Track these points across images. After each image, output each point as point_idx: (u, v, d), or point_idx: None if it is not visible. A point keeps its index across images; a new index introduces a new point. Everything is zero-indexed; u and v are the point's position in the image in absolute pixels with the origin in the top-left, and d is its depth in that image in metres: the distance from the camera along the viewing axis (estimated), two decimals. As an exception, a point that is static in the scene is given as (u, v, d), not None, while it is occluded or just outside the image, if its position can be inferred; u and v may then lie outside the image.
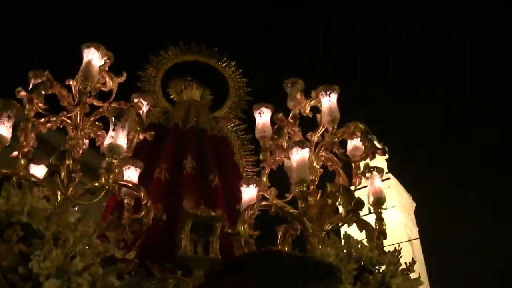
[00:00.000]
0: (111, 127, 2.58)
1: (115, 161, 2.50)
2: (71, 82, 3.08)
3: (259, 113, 3.53)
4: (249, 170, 5.19)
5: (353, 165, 3.41)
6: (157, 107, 5.21)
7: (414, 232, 45.77)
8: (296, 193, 2.86)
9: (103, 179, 2.46)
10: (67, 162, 2.48)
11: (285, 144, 3.10)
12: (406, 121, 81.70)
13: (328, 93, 3.17)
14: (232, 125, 5.49)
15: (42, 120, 3.05)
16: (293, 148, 2.87)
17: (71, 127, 2.94)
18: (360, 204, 2.80)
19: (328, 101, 3.15)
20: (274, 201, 3.10)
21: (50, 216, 2.18)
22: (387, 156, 48.02)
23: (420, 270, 40.84)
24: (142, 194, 2.82)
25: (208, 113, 5.37)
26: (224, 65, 5.67)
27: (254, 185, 3.38)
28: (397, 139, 77.89)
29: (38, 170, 3.15)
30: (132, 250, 3.08)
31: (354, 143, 3.34)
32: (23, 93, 2.76)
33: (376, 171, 3.23)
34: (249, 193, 3.39)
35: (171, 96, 5.59)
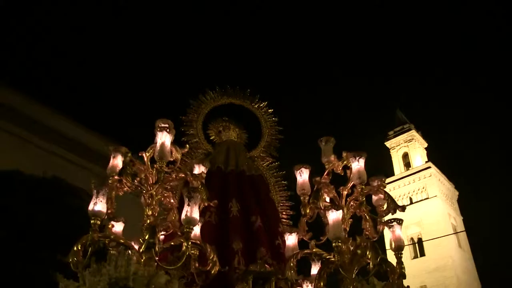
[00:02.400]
0: (186, 202, 3.19)
1: (191, 231, 3.11)
2: (144, 154, 3.70)
3: (299, 173, 4.04)
4: (283, 204, 5.82)
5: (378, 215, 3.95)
6: (200, 150, 5.84)
7: (459, 221, 44.86)
8: (333, 247, 3.44)
9: (184, 247, 3.07)
10: (158, 235, 3.08)
11: (321, 204, 3.67)
12: (446, 108, 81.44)
13: (357, 158, 3.76)
14: (266, 163, 6.07)
15: (119, 184, 3.66)
16: (329, 209, 3.46)
17: (147, 196, 3.54)
18: (384, 261, 3.37)
19: (357, 165, 3.73)
20: (314, 249, 3.68)
21: (150, 280, 2.79)
22: (426, 145, 48.32)
23: (466, 261, 41.11)
24: (209, 250, 3.42)
25: (245, 154, 5.96)
26: (256, 106, 6.26)
27: (296, 233, 3.94)
28: (437, 126, 77.45)
29: (119, 226, 3.77)
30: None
31: (378, 196, 3.90)
32: (116, 177, 3.39)
33: (397, 222, 3.76)
34: (291, 240, 3.96)
35: (211, 138, 6.19)
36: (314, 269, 4.11)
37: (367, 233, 3.93)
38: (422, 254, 39.81)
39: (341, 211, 3.46)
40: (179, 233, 3.69)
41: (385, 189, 3.81)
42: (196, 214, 3.16)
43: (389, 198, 3.70)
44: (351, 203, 3.88)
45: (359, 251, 3.49)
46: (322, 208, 3.59)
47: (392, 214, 3.75)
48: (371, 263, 3.38)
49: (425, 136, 49.01)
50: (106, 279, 2.72)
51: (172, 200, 3.77)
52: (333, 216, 3.43)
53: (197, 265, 3.54)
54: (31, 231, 7.93)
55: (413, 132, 48.12)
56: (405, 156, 47.75)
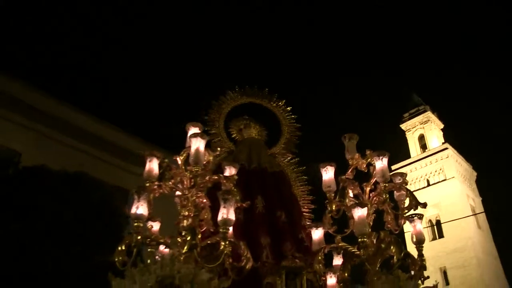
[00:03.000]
0: (222, 204, 3.46)
1: (227, 231, 3.38)
2: (178, 158, 3.97)
3: (325, 170, 4.30)
4: (305, 199, 6.09)
5: (399, 210, 4.19)
6: (223, 148, 6.10)
7: (477, 202, 44.51)
8: (359, 241, 3.69)
9: (222, 246, 3.34)
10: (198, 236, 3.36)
11: (347, 202, 3.92)
12: (462, 88, 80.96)
13: (380, 157, 4.00)
14: (287, 159, 6.33)
15: (156, 187, 3.94)
16: (355, 207, 3.71)
17: (183, 198, 3.81)
18: (407, 255, 3.62)
19: (381, 164, 3.98)
20: (340, 244, 3.94)
21: (193, 277, 3.07)
22: (442, 126, 48.12)
23: (486, 242, 41.12)
24: (243, 247, 3.69)
25: (266, 151, 6.23)
26: (274, 104, 6.52)
27: (321, 227, 4.20)
28: (455, 107, 77.14)
29: (156, 225, 4.06)
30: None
31: (400, 192, 4.13)
32: (156, 183, 3.67)
33: (418, 217, 3.99)
34: (318, 234, 4.23)
35: (233, 135, 6.48)
36: (337, 261, 4.35)
37: (388, 226, 4.16)
38: (441, 235, 39.75)
39: (366, 208, 3.70)
40: (211, 230, 3.96)
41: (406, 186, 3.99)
42: (232, 215, 3.44)
43: (411, 195, 3.93)
44: (374, 198, 4.10)
45: (383, 245, 3.74)
46: (348, 205, 3.82)
47: (414, 210, 3.96)
48: (395, 257, 3.62)
49: (441, 117, 48.39)
50: (154, 277, 2.99)
51: (204, 200, 4.01)
52: (359, 213, 3.69)
53: (231, 261, 3.78)
54: (58, 226, 8.22)
55: (429, 114, 47.76)
56: (421, 138, 47.51)
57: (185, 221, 3.78)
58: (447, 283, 38.40)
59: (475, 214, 40.44)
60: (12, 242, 7.51)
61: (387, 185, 3.94)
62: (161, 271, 3.06)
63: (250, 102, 6.63)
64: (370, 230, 4.03)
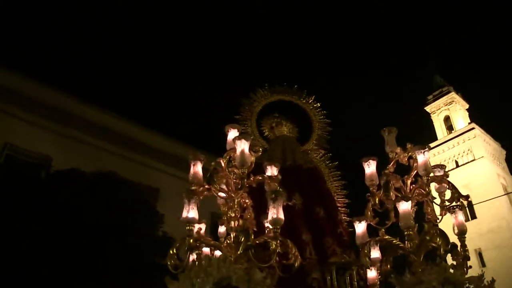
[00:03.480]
0: (271, 204, 3.60)
1: (278, 231, 3.52)
2: (221, 161, 4.11)
3: (367, 164, 4.45)
4: (338, 194, 6.21)
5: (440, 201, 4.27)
6: (258, 146, 6.24)
7: (508, 180, 44.45)
8: (405, 234, 3.80)
9: (273, 245, 3.48)
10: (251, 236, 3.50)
11: (392, 195, 4.02)
12: (484, 66, 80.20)
13: (422, 151, 4.13)
14: (320, 154, 6.46)
15: (201, 189, 4.08)
16: (400, 201, 3.81)
17: (229, 200, 3.95)
18: (454, 247, 3.72)
19: (423, 157, 4.10)
20: (385, 237, 4.06)
21: (249, 278, 3.22)
22: (467, 106, 47.83)
23: None
24: (290, 245, 3.83)
25: (299, 148, 6.38)
26: (304, 101, 6.64)
27: (364, 221, 4.31)
28: (479, 85, 76.62)
29: (202, 227, 4.21)
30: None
31: (441, 185, 4.22)
32: (206, 186, 3.82)
33: (459, 208, 4.08)
34: (361, 227, 4.36)
35: (265, 134, 6.65)
36: (374, 253, 4.41)
37: (429, 217, 4.25)
38: (474, 217, 39.43)
39: (410, 202, 3.80)
40: (254, 229, 4.09)
41: (448, 179, 4.08)
42: (281, 215, 3.56)
43: (453, 187, 4.03)
44: (416, 191, 4.20)
45: (427, 237, 3.83)
46: (393, 199, 3.92)
47: (456, 202, 4.05)
48: (442, 249, 3.72)
49: (465, 97, 47.97)
50: (211, 280, 3.14)
51: (247, 200, 4.14)
52: (403, 206, 3.80)
53: (277, 259, 3.91)
54: (95, 225, 8.51)
55: (453, 94, 47.64)
56: (447, 119, 47.44)
57: (232, 222, 3.90)
58: (483, 264, 38.12)
59: (507, 194, 40.14)
60: (56, 240, 7.81)
61: (429, 178, 3.99)
62: (218, 273, 3.20)
63: (280, 99, 6.71)
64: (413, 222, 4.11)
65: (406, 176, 4.33)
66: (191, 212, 3.70)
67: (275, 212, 3.56)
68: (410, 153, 4.28)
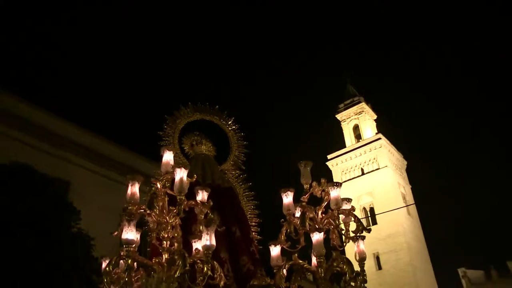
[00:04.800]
0: (205, 232, 4.19)
1: (210, 255, 4.08)
2: (157, 184, 4.59)
3: (285, 195, 5.22)
4: (251, 214, 6.87)
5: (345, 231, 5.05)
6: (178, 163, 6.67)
7: (407, 189, 48.65)
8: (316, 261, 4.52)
9: (205, 268, 4.05)
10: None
11: (307, 225, 4.72)
12: (394, 79, 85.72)
13: (335, 187, 4.97)
14: (235, 174, 7.10)
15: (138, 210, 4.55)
16: (314, 232, 4.53)
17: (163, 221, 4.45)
18: (358, 275, 4.49)
19: (335, 193, 4.96)
20: (297, 261, 4.76)
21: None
22: (375, 117, 51.13)
23: (415, 228, 44.70)
24: (216, 266, 4.40)
25: (217, 167, 7.04)
26: (224, 122, 7.23)
27: (279, 245, 4.99)
28: (385, 98, 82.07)
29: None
30: None
31: (348, 217, 5.00)
32: (147, 211, 4.30)
33: (361, 239, 4.99)
34: (276, 250, 5.15)
35: (186, 150, 7.30)
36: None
37: (334, 243, 5.12)
38: (375, 222, 43.16)
39: (322, 233, 4.52)
40: (176, 245, 4.53)
41: (354, 212, 4.86)
42: (213, 241, 4.27)
43: (358, 220, 4.81)
44: (325, 221, 4.92)
45: (335, 264, 4.56)
46: (308, 229, 4.62)
47: (360, 233, 4.81)
48: (347, 275, 4.46)
49: (374, 108, 51.79)
50: None
51: (176, 220, 4.67)
52: (317, 237, 4.65)
53: (201, 278, 4.39)
54: (12, 220, 8.37)
55: (363, 105, 51.49)
56: (356, 128, 50.95)
57: (164, 242, 4.40)
58: (380, 267, 41.66)
59: (407, 206, 44.62)
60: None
61: (339, 211, 4.75)
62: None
63: (202, 118, 7.23)
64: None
65: (317, 207, 5.04)
66: (129, 233, 4.14)
67: (208, 239, 4.13)
68: (323, 187, 4.96)
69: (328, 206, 5.10)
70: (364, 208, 45.29)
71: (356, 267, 4.76)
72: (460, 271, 46.01)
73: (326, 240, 5.02)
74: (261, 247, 6.50)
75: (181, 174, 4.62)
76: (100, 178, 16.32)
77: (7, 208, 8.40)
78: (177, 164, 6.47)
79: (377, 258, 42.85)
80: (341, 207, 4.95)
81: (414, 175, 53.34)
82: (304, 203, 5.11)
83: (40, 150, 14.20)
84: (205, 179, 6.50)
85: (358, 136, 50.38)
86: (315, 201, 5.25)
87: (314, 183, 5.25)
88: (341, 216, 5.05)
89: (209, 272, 4.17)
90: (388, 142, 48.83)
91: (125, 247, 4.16)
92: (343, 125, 51.84)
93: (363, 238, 5.01)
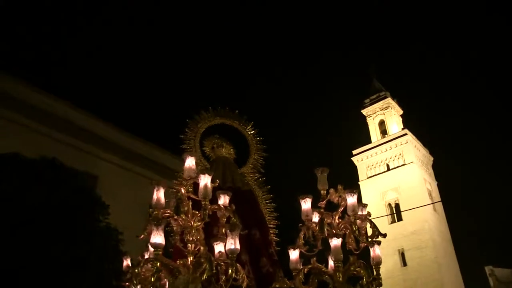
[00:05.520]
0: (230, 236, 4.52)
1: (234, 258, 4.39)
2: (182, 189, 4.90)
3: (304, 201, 5.55)
4: (269, 216, 7.14)
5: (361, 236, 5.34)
6: (199, 166, 6.99)
7: (433, 186, 48.14)
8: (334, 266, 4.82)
9: (230, 271, 4.43)
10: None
11: (326, 231, 4.99)
12: (422, 75, 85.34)
13: (351, 194, 5.22)
14: (255, 177, 7.39)
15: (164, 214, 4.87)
16: (332, 237, 4.80)
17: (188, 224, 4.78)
18: (375, 279, 4.75)
19: (352, 200, 5.28)
20: (316, 265, 5.03)
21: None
22: (401, 112, 50.99)
23: (441, 224, 44.73)
24: (239, 269, 4.72)
25: (237, 170, 7.38)
26: (243, 126, 7.50)
27: (298, 249, 5.31)
28: (414, 93, 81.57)
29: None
30: None
31: (364, 223, 5.27)
32: (168, 213, 4.62)
33: (377, 244, 5.25)
34: (295, 254, 5.50)
35: (207, 153, 7.63)
36: None
37: (350, 247, 5.43)
38: (400, 219, 43.05)
39: (340, 238, 4.81)
40: (202, 248, 4.84)
41: (370, 217, 5.13)
42: (238, 245, 4.63)
43: (374, 226, 5.05)
44: (342, 226, 5.21)
45: (352, 268, 4.83)
46: (326, 235, 4.89)
47: (376, 238, 5.06)
48: (364, 280, 4.77)
49: (400, 103, 51.43)
50: None
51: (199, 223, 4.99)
52: (335, 242, 4.98)
53: (224, 279, 4.70)
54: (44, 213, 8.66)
55: (389, 100, 51.20)
56: (382, 123, 50.94)
57: (189, 245, 4.72)
58: (405, 264, 41.67)
59: (434, 203, 44.46)
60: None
61: (356, 217, 5.02)
62: None
63: (222, 122, 7.70)
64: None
65: (334, 212, 5.32)
66: (158, 238, 4.47)
67: (232, 242, 4.43)
68: (340, 193, 5.24)
69: (344, 211, 5.42)
70: (390, 204, 45.37)
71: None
72: (488, 269, 45.79)
73: (343, 244, 5.32)
74: (278, 248, 6.80)
75: (205, 180, 4.90)
76: (127, 173, 16.86)
77: (39, 201, 8.66)
78: (199, 166, 6.89)
79: (402, 255, 42.88)
80: (357, 212, 5.25)
81: (440, 171, 52.87)
82: (322, 209, 5.42)
83: (68, 145, 14.72)
84: (225, 181, 6.78)
85: (383, 132, 50.03)
86: (331, 207, 5.58)
87: (331, 190, 5.56)
88: (358, 221, 5.36)
89: (234, 275, 4.52)
90: (414, 137, 48.37)
91: (155, 250, 4.52)
92: (369, 120, 51.51)
93: (379, 243, 5.30)
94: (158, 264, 4.42)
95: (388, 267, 43.52)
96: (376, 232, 5.22)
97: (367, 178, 47.56)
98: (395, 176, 45.77)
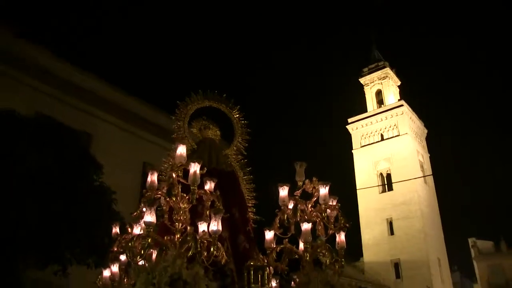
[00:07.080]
0: (213, 218, 5.28)
1: (216, 238, 5.17)
2: (173, 174, 5.62)
3: (282, 188, 6.31)
4: (249, 196, 7.87)
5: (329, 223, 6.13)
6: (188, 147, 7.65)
7: (426, 158, 49.86)
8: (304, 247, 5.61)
9: (212, 249, 5.15)
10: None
11: (298, 217, 5.77)
12: (421, 47, 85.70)
13: (324, 186, 5.99)
14: (238, 159, 8.12)
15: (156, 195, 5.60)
16: (303, 222, 5.57)
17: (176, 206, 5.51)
18: (337, 260, 5.55)
19: (324, 191, 6.08)
20: (287, 245, 5.83)
21: (195, 274, 4.80)
22: (399, 83, 51.56)
23: (430, 196, 46.28)
24: (219, 246, 5.48)
25: (222, 152, 8.06)
26: (229, 109, 8.16)
27: (272, 230, 6.12)
28: (411, 64, 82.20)
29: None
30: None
31: (333, 212, 6.04)
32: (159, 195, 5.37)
33: (342, 230, 6.09)
34: (270, 235, 6.34)
35: (194, 132, 8.35)
36: None
37: (319, 234, 6.19)
38: (390, 188, 44.21)
39: (310, 223, 5.64)
40: (189, 228, 5.54)
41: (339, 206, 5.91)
42: (220, 226, 5.38)
43: (342, 215, 5.81)
44: (314, 213, 5.96)
45: (318, 250, 5.63)
46: (298, 219, 5.65)
47: (343, 226, 5.82)
48: (328, 261, 5.52)
49: (399, 75, 51.98)
50: (167, 274, 4.65)
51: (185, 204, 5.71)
52: (305, 226, 5.77)
53: (206, 254, 5.42)
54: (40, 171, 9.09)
55: (387, 70, 51.68)
56: (379, 93, 51.32)
57: (177, 224, 5.44)
58: (392, 232, 43.28)
59: (425, 176, 45.25)
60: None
61: (326, 205, 5.76)
62: (172, 269, 4.71)
63: (210, 105, 8.44)
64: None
65: (308, 201, 6.06)
66: (149, 217, 5.22)
67: (216, 225, 5.19)
68: (314, 184, 5.99)
69: (317, 201, 6.19)
70: (381, 174, 46.81)
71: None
72: (470, 240, 48.01)
73: (313, 229, 6.07)
74: (255, 225, 7.63)
75: (195, 167, 5.65)
76: (121, 132, 17.35)
77: (34, 159, 9.02)
78: (187, 146, 7.41)
79: (390, 224, 44.41)
80: (328, 202, 6.06)
81: (434, 144, 53.91)
82: (297, 197, 6.22)
83: (63, 102, 15.15)
84: (211, 162, 7.51)
85: (380, 102, 51.06)
86: (306, 196, 6.40)
87: (307, 181, 6.37)
88: (328, 210, 6.11)
89: (215, 252, 5.27)
90: (410, 109, 49.39)
91: (147, 228, 5.27)
92: (366, 89, 52.43)
93: (344, 230, 6.12)
94: (149, 239, 5.25)
95: (376, 235, 45.13)
96: (344, 221, 6.02)
97: (361, 147, 48.84)
98: (388, 146, 47.03)
